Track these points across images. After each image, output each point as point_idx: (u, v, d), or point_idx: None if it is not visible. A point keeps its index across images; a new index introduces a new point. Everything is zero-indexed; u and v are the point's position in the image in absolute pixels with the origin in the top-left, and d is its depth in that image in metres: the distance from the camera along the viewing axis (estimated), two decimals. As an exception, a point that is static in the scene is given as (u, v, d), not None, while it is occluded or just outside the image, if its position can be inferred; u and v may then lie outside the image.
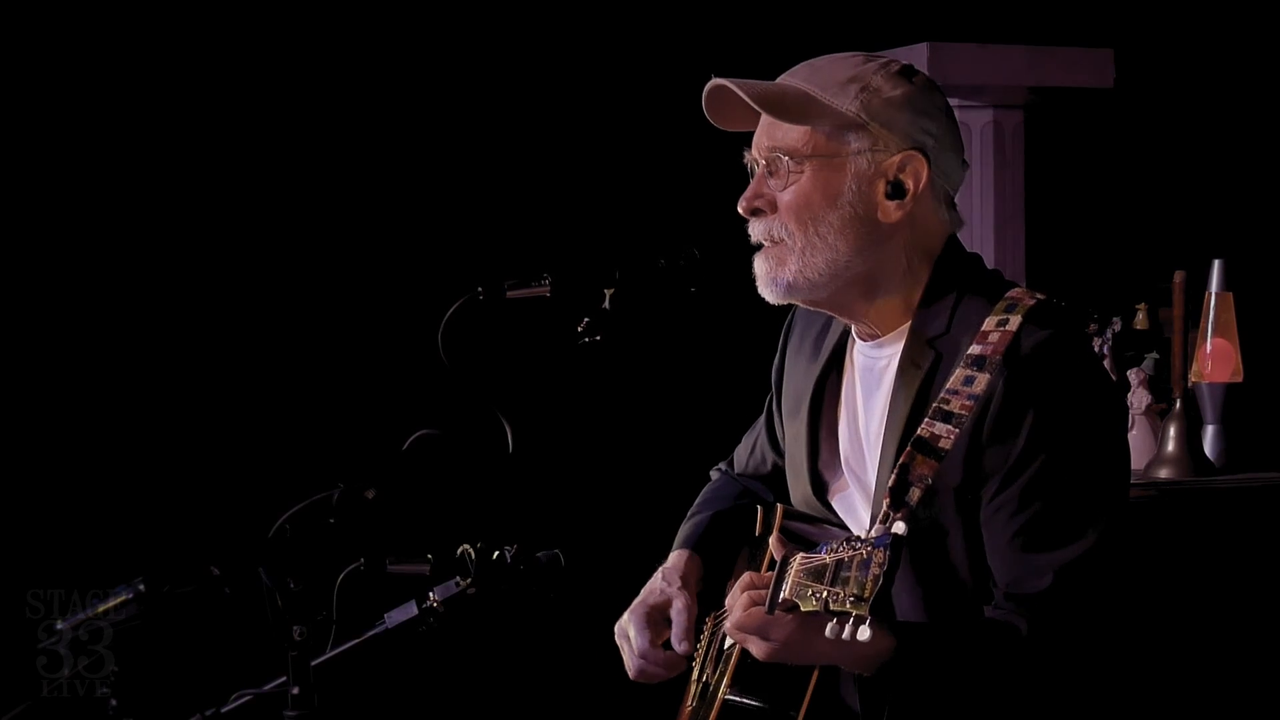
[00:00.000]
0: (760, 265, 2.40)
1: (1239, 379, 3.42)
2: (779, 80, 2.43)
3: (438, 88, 4.33)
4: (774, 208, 2.38)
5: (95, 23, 4.02)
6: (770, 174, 2.38)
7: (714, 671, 2.47)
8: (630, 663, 2.55)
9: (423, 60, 4.32)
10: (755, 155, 2.42)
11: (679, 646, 2.51)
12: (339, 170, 4.24)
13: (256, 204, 4.17)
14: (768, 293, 2.41)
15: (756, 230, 2.40)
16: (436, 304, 2.34)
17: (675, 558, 2.63)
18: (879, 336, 2.43)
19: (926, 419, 2.25)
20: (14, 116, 3.97)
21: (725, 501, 2.76)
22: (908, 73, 2.40)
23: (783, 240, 2.37)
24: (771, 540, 2.29)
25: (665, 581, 2.59)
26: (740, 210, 2.41)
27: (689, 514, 2.76)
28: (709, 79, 2.41)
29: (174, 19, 4.08)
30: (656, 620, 2.54)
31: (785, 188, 2.37)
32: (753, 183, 2.41)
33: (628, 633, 2.55)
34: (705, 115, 2.45)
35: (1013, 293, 2.34)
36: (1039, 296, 2.32)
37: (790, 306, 2.55)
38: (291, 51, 4.18)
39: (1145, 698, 2.57)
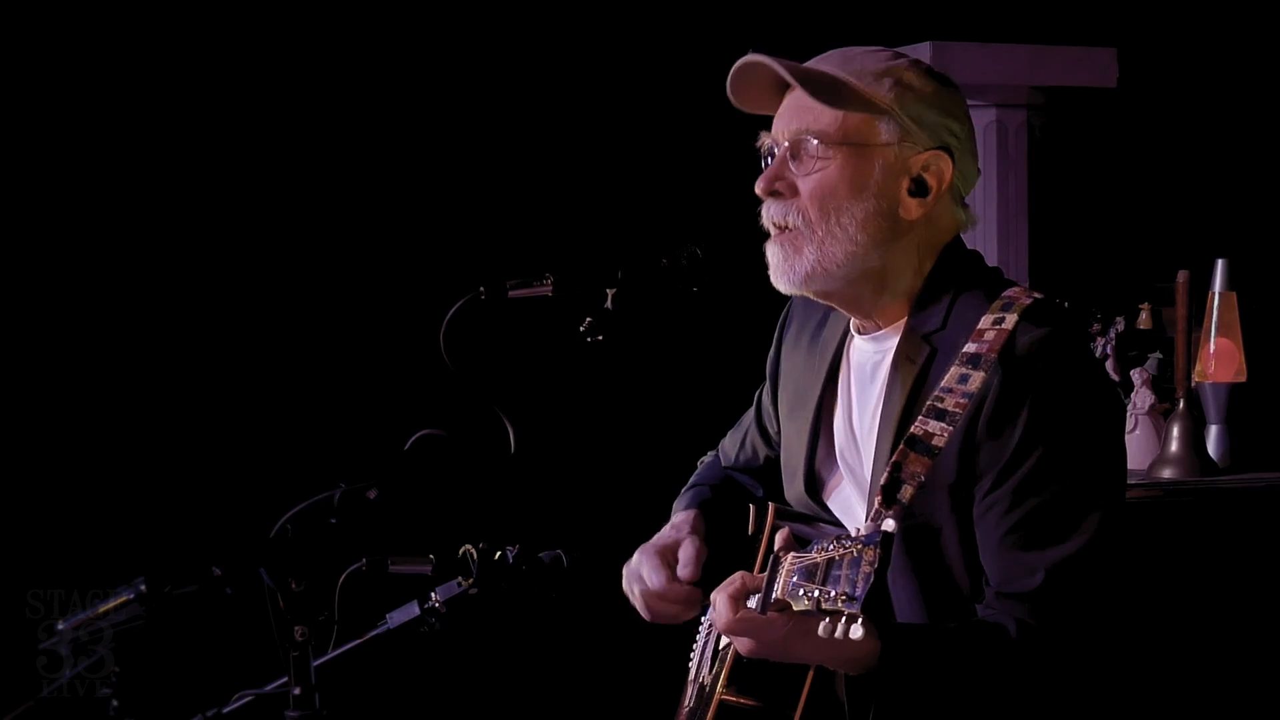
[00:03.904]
0: (774, 253, 2.38)
1: (1242, 379, 3.41)
2: (809, 64, 2.41)
3: (439, 88, 4.33)
4: (794, 192, 2.35)
5: (95, 23, 4.02)
6: (794, 157, 2.36)
7: (710, 671, 2.47)
8: (643, 604, 2.55)
9: (423, 60, 4.31)
10: (777, 137, 2.39)
11: (683, 571, 2.50)
12: (340, 171, 4.23)
13: (258, 205, 4.17)
14: (781, 282, 2.39)
15: (772, 212, 2.38)
16: (439, 303, 2.34)
17: (681, 516, 2.64)
18: (877, 330, 2.43)
19: (920, 416, 2.25)
20: (14, 116, 3.97)
21: (720, 480, 2.76)
22: (933, 73, 2.40)
23: (799, 228, 2.35)
24: (779, 535, 2.28)
25: (674, 529, 2.60)
26: (758, 191, 2.39)
27: (685, 488, 2.76)
28: (719, 67, 2.39)
29: (174, 19, 4.08)
30: (669, 559, 2.54)
31: (810, 173, 2.34)
32: (774, 164, 2.37)
33: (639, 572, 2.55)
34: (727, 91, 2.42)
35: (1010, 291, 2.33)
36: (1036, 295, 2.32)
37: (787, 298, 2.53)
38: (292, 51, 4.18)
39: (1147, 698, 2.56)
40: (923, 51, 4.08)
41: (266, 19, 4.16)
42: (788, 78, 2.35)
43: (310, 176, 4.21)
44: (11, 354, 3.96)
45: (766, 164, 2.40)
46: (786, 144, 2.37)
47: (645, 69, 4.39)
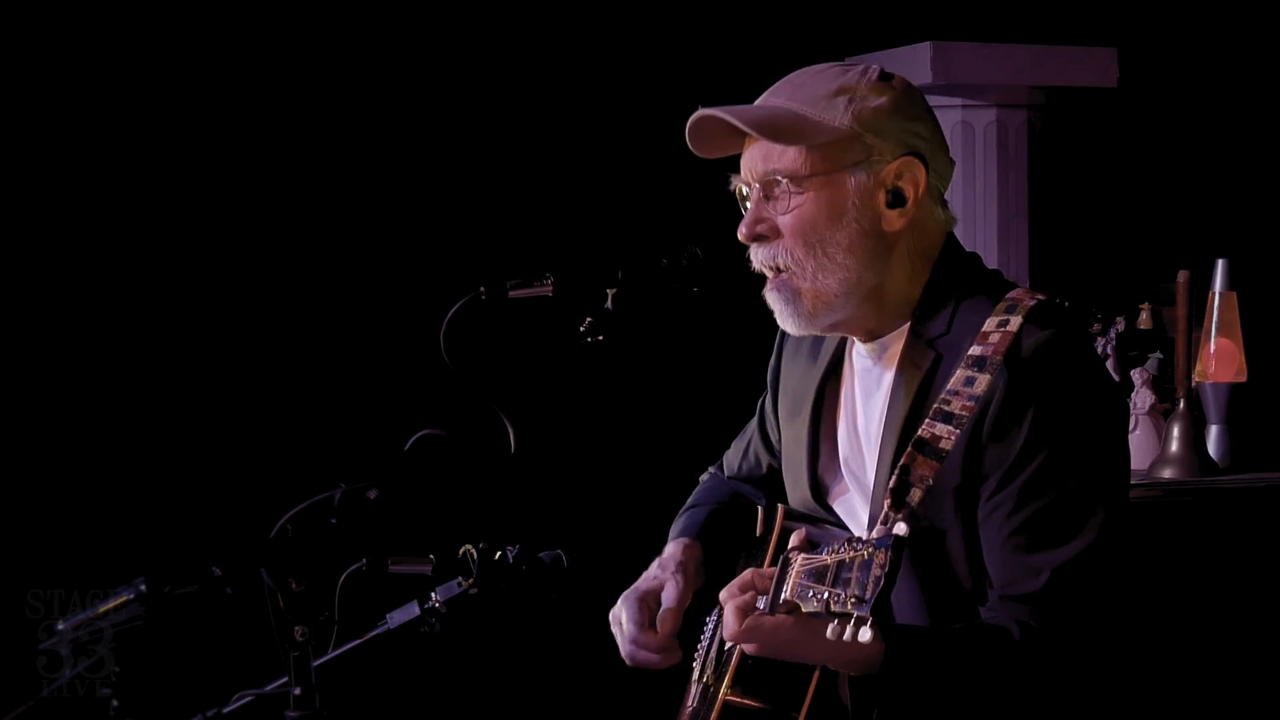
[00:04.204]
0: (773, 299, 2.38)
1: (1243, 379, 3.41)
2: (760, 102, 2.41)
3: (439, 88, 4.33)
4: (776, 233, 2.35)
5: (95, 23, 4.02)
6: (767, 198, 2.36)
7: (714, 672, 2.47)
8: (623, 648, 2.54)
9: (424, 60, 4.31)
10: (748, 180, 2.39)
11: (661, 626, 2.50)
12: (341, 171, 4.23)
13: (258, 205, 4.17)
14: (789, 326, 2.39)
15: (760, 257, 2.38)
16: (439, 304, 2.34)
17: (673, 546, 2.63)
18: (879, 337, 2.42)
19: (927, 420, 2.25)
20: (14, 116, 3.96)
21: (721, 498, 2.75)
22: (887, 78, 2.38)
23: (790, 268, 2.35)
24: (795, 534, 2.29)
25: (660, 569, 2.59)
26: (741, 238, 2.38)
27: (683, 509, 2.75)
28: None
29: (174, 19, 4.08)
30: (649, 606, 2.54)
31: (786, 211, 2.34)
32: (751, 209, 2.37)
33: (620, 619, 2.54)
34: (688, 144, 2.42)
35: (1013, 293, 2.33)
36: (1039, 297, 2.32)
37: None
38: (292, 51, 4.18)
39: (1148, 699, 2.56)
40: (923, 52, 4.09)
41: (266, 19, 4.16)
42: (743, 127, 2.34)
43: (310, 177, 4.20)
44: (11, 354, 3.95)
45: (744, 208, 2.40)
46: (758, 186, 2.37)
47: (645, 69, 4.38)
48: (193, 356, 4.10)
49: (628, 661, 2.55)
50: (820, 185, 2.32)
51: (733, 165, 2.43)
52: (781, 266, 2.35)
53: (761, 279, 2.41)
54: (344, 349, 4.19)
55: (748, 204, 2.39)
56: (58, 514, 3.92)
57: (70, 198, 4.02)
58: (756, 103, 2.41)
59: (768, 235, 2.36)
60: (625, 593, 2.58)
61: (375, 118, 4.27)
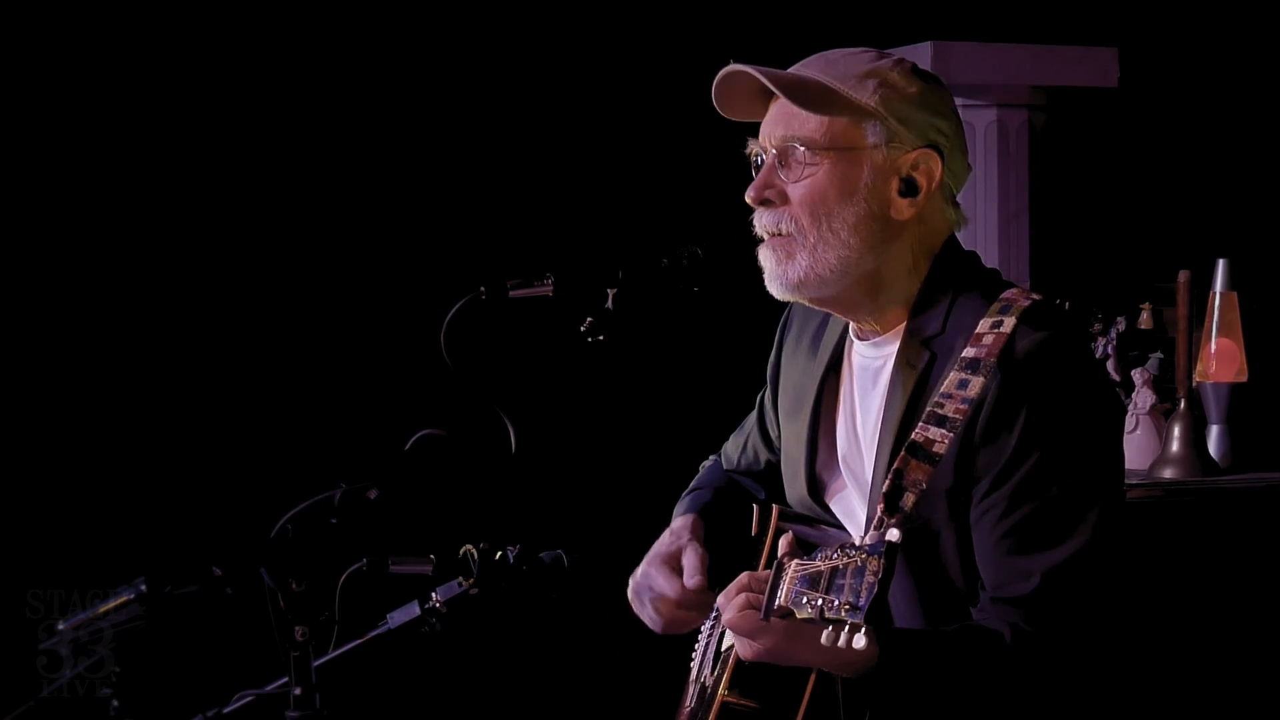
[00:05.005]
0: (767, 259, 2.38)
1: (1243, 379, 3.41)
2: (791, 71, 2.42)
3: (439, 88, 4.33)
4: (785, 199, 2.36)
5: (95, 23, 4.02)
6: (781, 164, 2.36)
7: (712, 672, 2.47)
8: (655, 614, 2.55)
9: (423, 60, 4.31)
10: (765, 145, 2.39)
11: (690, 581, 2.50)
12: (340, 170, 4.23)
13: (259, 204, 4.17)
14: (775, 288, 2.39)
15: (764, 221, 2.38)
16: (439, 303, 2.34)
17: (680, 520, 2.64)
18: (877, 335, 2.42)
19: (921, 423, 2.24)
20: (14, 116, 3.96)
21: (723, 483, 2.76)
22: (919, 71, 2.40)
23: (791, 234, 2.35)
24: (783, 540, 2.28)
25: (674, 536, 2.60)
26: (749, 200, 2.39)
27: (687, 491, 2.76)
28: (719, 67, 2.39)
29: (174, 19, 4.08)
30: (676, 566, 2.54)
31: (799, 180, 2.35)
32: (763, 172, 2.38)
33: (650, 584, 2.55)
34: (712, 101, 2.43)
35: (1008, 293, 2.33)
36: (1034, 297, 2.31)
37: (786, 303, 2.53)
38: (291, 51, 4.18)
39: (1147, 699, 2.56)
40: (923, 51, 4.08)
41: (266, 19, 4.16)
42: (771, 86, 2.35)
43: (310, 177, 4.20)
44: (11, 354, 3.95)
45: (756, 172, 2.40)
46: (774, 151, 2.37)
47: (645, 69, 4.38)
48: (193, 357, 4.10)
49: (660, 626, 2.55)
50: (836, 159, 2.33)
51: (751, 131, 2.44)
52: (784, 232, 2.36)
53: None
54: (344, 349, 4.19)
55: (758, 168, 2.40)
56: (58, 514, 3.92)
57: (70, 197, 4.02)
58: (788, 71, 2.41)
59: (775, 201, 2.36)
60: (646, 558, 2.58)
61: (375, 118, 4.26)
